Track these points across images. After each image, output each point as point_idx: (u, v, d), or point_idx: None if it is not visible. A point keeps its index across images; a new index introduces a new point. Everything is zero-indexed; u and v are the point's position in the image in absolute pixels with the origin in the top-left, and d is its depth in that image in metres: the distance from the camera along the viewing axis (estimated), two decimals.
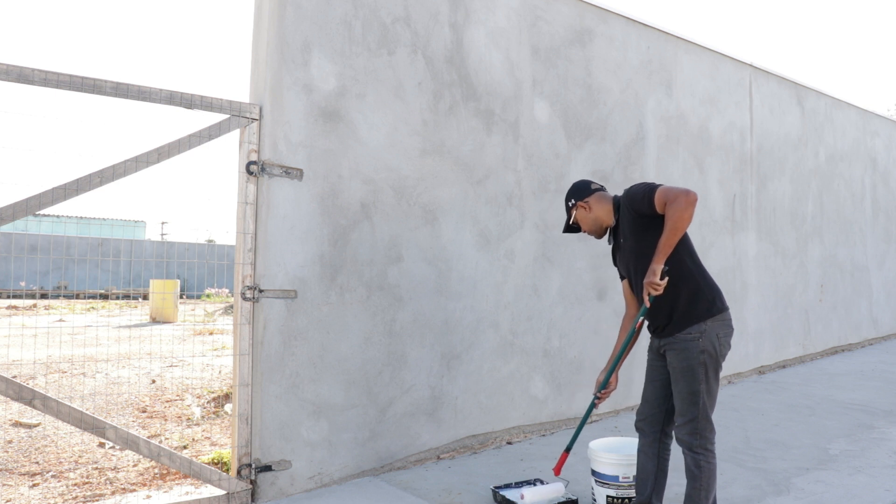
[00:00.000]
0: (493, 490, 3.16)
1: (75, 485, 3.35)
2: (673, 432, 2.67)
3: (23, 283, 18.85)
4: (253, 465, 3.11)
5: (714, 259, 5.83)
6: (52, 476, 3.48)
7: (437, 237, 3.81)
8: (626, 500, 2.84)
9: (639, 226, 2.62)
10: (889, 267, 8.88)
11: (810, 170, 7.24)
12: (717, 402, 2.60)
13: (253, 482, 3.12)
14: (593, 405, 2.87)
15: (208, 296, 18.04)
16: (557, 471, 2.94)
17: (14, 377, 5.13)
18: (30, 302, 15.50)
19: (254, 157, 3.18)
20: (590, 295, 4.66)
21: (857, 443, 4.11)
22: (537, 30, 4.40)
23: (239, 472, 3.09)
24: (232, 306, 9.27)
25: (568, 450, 2.94)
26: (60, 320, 11.52)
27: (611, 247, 2.89)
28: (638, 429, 2.82)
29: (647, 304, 2.56)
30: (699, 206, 5.68)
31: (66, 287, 19.23)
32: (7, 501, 3.10)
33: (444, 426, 3.82)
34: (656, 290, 2.49)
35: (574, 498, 3.04)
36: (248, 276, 3.14)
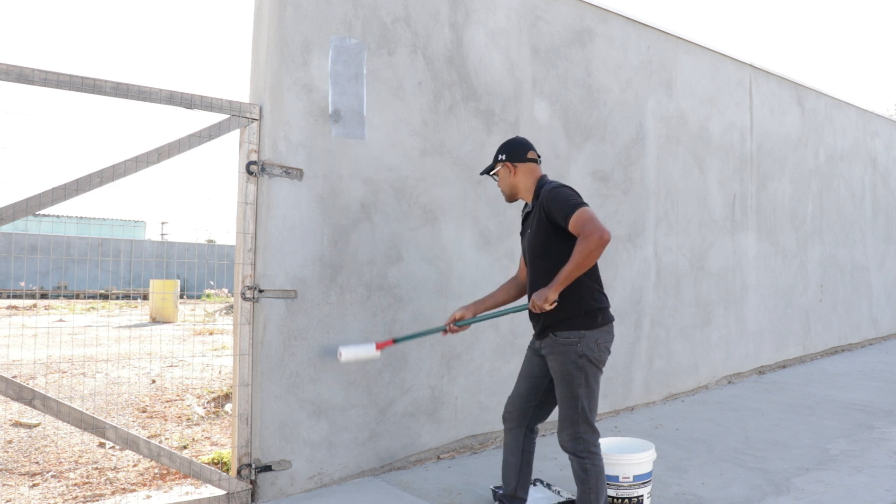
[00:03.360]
0: (493, 490, 3.16)
1: (75, 485, 3.35)
2: (557, 438, 2.68)
3: (23, 283, 18.85)
4: (253, 465, 3.11)
5: (714, 259, 5.83)
6: (52, 476, 3.48)
7: (437, 237, 3.81)
8: (627, 500, 2.84)
9: (545, 227, 2.60)
10: (889, 267, 8.88)
11: (810, 170, 7.24)
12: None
13: (253, 482, 3.12)
14: (443, 329, 2.93)
15: (208, 296, 18.03)
16: (379, 346, 3.07)
17: (14, 377, 5.13)
18: (30, 302, 15.50)
19: (254, 157, 3.18)
20: None
21: (857, 443, 4.11)
22: (537, 30, 4.40)
23: (239, 472, 3.09)
24: (232, 306, 9.27)
25: (396, 340, 3.06)
26: (60, 320, 11.52)
27: (522, 220, 2.87)
28: (505, 420, 2.88)
29: (529, 307, 2.59)
30: (700, 206, 5.68)
31: (66, 287, 19.23)
32: (7, 501, 3.10)
33: (444, 426, 3.82)
34: (538, 311, 2.52)
35: (572, 497, 3.04)
36: (248, 276, 3.14)
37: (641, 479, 2.86)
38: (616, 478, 2.84)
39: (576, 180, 4.60)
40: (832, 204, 7.63)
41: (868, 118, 8.40)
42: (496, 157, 2.81)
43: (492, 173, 2.84)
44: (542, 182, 2.72)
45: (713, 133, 5.88)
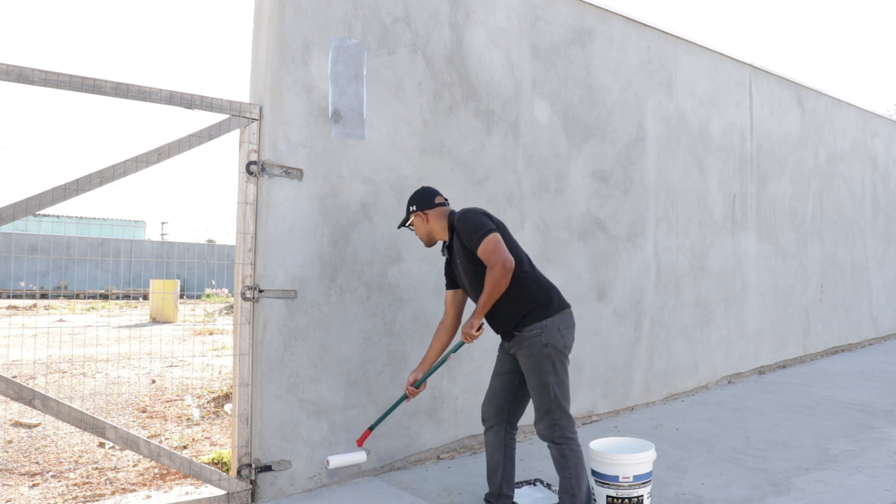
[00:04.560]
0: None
1: (75, 485, 3.35)
2: (529, 427, 2.83)
3: (23, 283, 18.85)
4: (253, 465, 3.11)
5: (714, 259, 5.83)
6: (52, 476, 3.48)
7: None
8: (626, 500, 2.84)
9: (468, 252, 2.77)
10: (889, 267, 8.88)
11: (810, 170, 7.24)
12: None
13: (253, 482, 3.12)
14: (405, 398, 3.09)
15: (208, 296, 18.03)
16: (360, 442, 3.23)
17: (14, 377, 5.13)
18: (30, 302, 15.50)
19: (254, 157, 3.18)
20: (590, 295, 4.67)
21: (857, 443, 4.11)
22: (537, 30, 4.40)
23: (239, 472, 3.09)
24: (232, 306, 9.27)
25: (371, 428, 3.23)
26: (60, 320, 11.52)
27: (445, 258, 3.02)
28: (484, 421, 2.98)
29: (465, 341, 2.77)
30: (700, 206, 5.68)
31: (66, 287, 19.22)
32: (7, 501, 3.10)
33: (444, 426, 3.82)
34: (472, 340, 2.73)
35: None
36: (248, 276, 3.14)
37: (641, 479, 2.86)
38: (616, 478, 2.84)
39: (576, 180, 4.60)
40: (832, 204, 7.63)
41: (868, 118, 8.40)
42: (407, 209, 3.01)
43: (407, 225, 3.02)
44: (451, 217, 2.91)
45: (713, 133, 5.88)
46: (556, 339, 2.69)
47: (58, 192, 2.74)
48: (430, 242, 3.01)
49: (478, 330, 2.73)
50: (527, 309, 2.72)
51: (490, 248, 2.65)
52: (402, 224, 3.03)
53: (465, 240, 2.74)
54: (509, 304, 2.74)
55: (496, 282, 2.64)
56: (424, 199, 2.96)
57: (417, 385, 3.03)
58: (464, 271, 2.85)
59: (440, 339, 3.05)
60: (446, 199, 3.02)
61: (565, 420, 2.68)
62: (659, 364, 5.22)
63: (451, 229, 2.88)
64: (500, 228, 2.81)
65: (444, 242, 2.98)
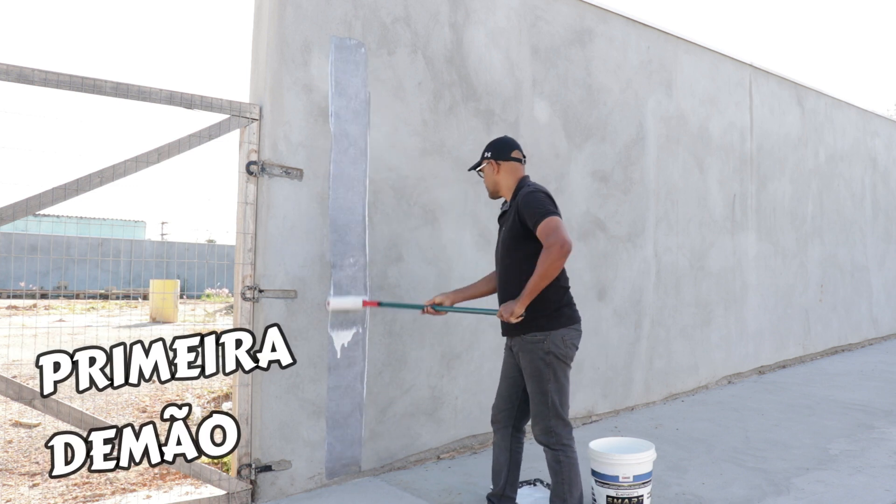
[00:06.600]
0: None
1: (75, 485, 3.35)
2: (527, 429, 2.81)
3: (23, 284, 18.84)
4: (253, 465, 3.11)
5: (714, 259, 5.83)
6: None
7: (437, 237, 3.81)
8: (626, 500, 2.84)
9: (517, 227, 2.70)
10: (889, 267, 8.88)
11: (810, 170, 7.24)
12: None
13: (253, 482, 3.12)
14: (422, 308, 3.07)
15: (208, 296, 18.03)
16: (366, 303, 3.34)
17: (14, 377, 5.13)
18: (30, 302, 15.50)
19: (254, 157, 3.18)
20: (590, 295, 4.66)
21: (857, 443, 4.11)
22: (537, 30, 4.40)
23: (239, 472, 3.09)
24: (232, 306, 9.26)
25: (381, 304, 3.31)
26: (60, 320, 11.52)
27: (499, 216, 2.97)
28: (493, 422, 2.97)
29: (498, 316, 2.70)
30: (700, 206, 5.68)
31: (66, 287, 19.22)
32: (7, 501, 3.11)
33: (444, 426, 3.82)
34: (508, 322, 2.65)
35: None
36: (248, 276, 3.14)
37: (641, 479, 2.86)
38: (616, 478, 2.84)
39: (576, 180, 4.60)
40: (832, 204, 7.62)
41: (868, 118, 8.40)
42: (483, 154, 2.93)
43: (478, 170, 2.96)
44: (522, 183, 2.83)
45: (713, 133, 5.88)
46: (559, 348, 2.64)
47: (58, 192, 2.74)
48: (493, 194, 2.93)
49: (517, 318, 2.60)
50: (535, 311, 2.63)
51: (552, 225, 2.53)
52: (474, 167, 2.96)
53: (527, 215, 2.63)
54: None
55: (551, 262, 2.48)
56: (501, 149, 2.87)
57: (438, 309, 3.01)
58: (501, 243, 2.81)
59: (485, 283, 3.07)
60: (524, 157, 2.92)
61: (561, 427, 2.66)
62: (659, 364, 5.21)
63: (515, 196, 2.77)
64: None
65: (505, 202, 2.92)
